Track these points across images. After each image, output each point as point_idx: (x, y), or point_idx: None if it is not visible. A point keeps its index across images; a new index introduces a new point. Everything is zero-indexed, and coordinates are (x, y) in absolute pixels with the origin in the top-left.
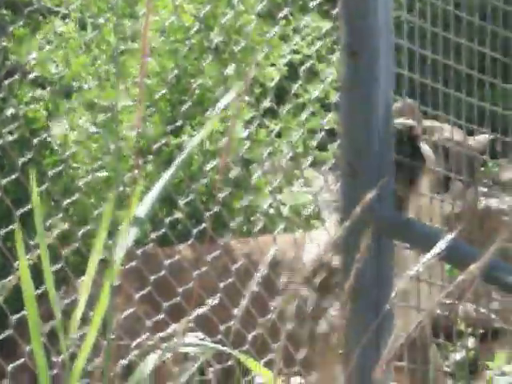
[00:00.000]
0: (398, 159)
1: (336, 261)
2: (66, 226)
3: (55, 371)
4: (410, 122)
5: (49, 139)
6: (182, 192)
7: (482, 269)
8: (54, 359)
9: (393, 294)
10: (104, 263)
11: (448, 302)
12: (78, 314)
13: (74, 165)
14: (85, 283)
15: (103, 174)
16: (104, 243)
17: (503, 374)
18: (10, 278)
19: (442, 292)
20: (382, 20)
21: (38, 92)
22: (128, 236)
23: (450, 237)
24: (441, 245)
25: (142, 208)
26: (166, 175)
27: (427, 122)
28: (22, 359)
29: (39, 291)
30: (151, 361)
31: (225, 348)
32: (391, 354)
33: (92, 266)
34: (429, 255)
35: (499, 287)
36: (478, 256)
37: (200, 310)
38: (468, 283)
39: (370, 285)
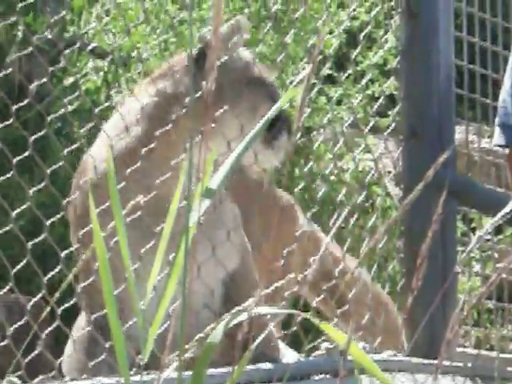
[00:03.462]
0: None
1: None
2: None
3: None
4: None
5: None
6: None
7: None
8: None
9: (463, 255)
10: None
11: None
12: (152, 281)
13: None
14: (159, 252)
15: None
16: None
17: None
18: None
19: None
20: None
21: (97, 62)
22: (201, 206)
23: None
24: (508, 207)
25: (215, 179)
26: (240, 146)
27: None
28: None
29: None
30: (224, 326)
31: (297, 312)
32: (460, 317)
33: (166, 235)
34: (496, 217)
35: None
36: None
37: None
38: None
39: (436, 248)
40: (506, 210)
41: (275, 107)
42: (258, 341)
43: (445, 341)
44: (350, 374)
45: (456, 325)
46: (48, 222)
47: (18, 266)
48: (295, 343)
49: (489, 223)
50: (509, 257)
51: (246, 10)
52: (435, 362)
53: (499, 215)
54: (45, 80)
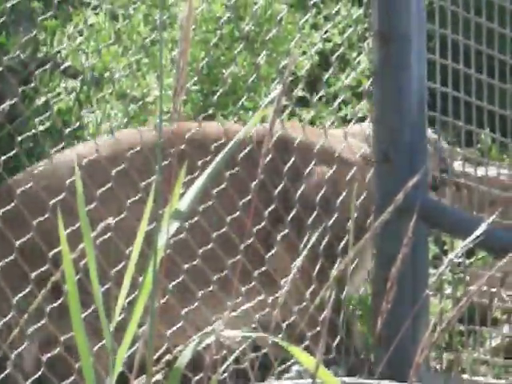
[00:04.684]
0: None
1: None
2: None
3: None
4: None
5: (80, 129)
6: None
7: None
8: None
9: (434, 278)
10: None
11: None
12: (121, 301)
13: None
14: (128, 271)
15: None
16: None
17: None
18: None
19: (483, 278)
20: (414, 6)
21: (70, 83)
22: (170, 227)
23: (487, 222)
24: (479, 230)
25: (184, 201)
26: (210, 168)
27: None
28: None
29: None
30: (190, 350)
31: (265, 335)
32: (431, 340)
33: (135, 254)
34: (468, 240)
35: None
36: None
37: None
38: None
39: (406, 271)
40: (478, 232)
41: (245, 128)
42: (226, 363)
43: (415, 364)
44: None
45: (426, 347)
46: (18, 243)
47: None
48: (265, 365)
49: (460, 246)
50: (480, 280)
51: (218, 31)
52: None
53: (470, 238)
54: (16, 100)
